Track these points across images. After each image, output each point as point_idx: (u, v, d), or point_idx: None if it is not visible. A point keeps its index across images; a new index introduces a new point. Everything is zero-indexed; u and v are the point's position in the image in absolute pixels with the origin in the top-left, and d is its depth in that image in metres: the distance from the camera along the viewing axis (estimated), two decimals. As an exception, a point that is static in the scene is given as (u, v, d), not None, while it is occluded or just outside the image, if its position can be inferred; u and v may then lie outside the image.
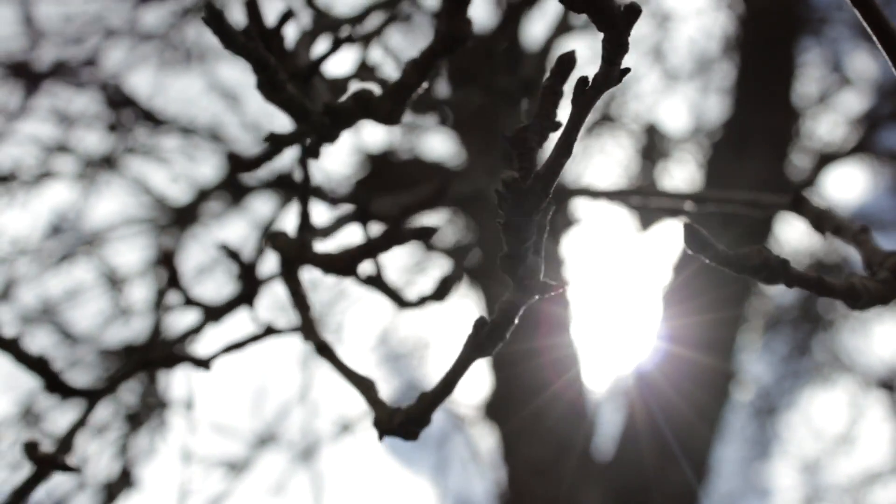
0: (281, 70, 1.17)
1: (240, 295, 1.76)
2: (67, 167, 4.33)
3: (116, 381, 1.63)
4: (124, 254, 4.48)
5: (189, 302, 1.79)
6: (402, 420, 1.13)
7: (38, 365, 1.57)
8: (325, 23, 1.59)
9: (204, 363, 1.62)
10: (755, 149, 5.34)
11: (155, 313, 3.65)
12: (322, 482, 4.96)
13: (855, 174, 7.87)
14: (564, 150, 0.93)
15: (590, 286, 5.24)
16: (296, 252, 1.31)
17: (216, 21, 1.08)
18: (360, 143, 5.31)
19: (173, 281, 1.75)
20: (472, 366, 1.07)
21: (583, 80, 0.90)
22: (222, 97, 4.69)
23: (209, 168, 4.57)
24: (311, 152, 1.25)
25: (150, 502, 4.04)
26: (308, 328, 1.32)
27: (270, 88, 1.18)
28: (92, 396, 1.61)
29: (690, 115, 5.99)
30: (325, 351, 1.28)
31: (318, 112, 1.21)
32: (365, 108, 1.20)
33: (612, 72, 0.89)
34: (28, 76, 4.29)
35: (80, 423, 1.58)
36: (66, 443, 1.54)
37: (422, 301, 1.51)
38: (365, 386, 1.22)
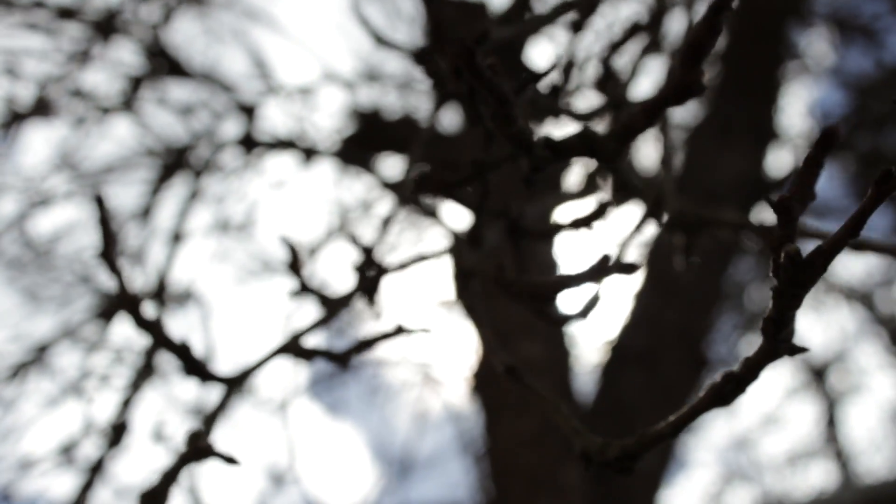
0: (517, 104, 1.20)
1: (359, 287, 1.78)
2: (74, 106, 4.26)
3: (252, 370, 1.65)
4: (123, 195, 4.45)
5: (306, 290, 1.81)
6: (619, 455, 1.17)
7: (179, 349, 1.59)
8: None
9: (341, 359, 1.65)
10: (736, 140, 5.42)
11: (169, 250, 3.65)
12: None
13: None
14: (853, 231, 0.98)
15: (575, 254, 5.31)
16: (493, 274, 1.33)
17: (466, 57, 1.11)
18: (350, 101, 5.29)
19: (294, 267, 1.76)
20: (705, 414, 1.12)
21: (888, 172, 0.95)
22: (253, 63, 4.64)
23: (230, 125, 4.53)
24: (526, 182, 1.28)
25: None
26: (492, 348, 1.36)
27: (503, 121, 1.21)
28: (230, 383, 1.63)
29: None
30: (513, 373, 1.31)
31: (541, 146, 1.24)
32: (589, 147, 1.23)
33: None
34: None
35: (220, 410, 1.60)
36: (208, 430, 1.56)
37: (568, 319, 1.55)
38: (562, 413, 1.26)
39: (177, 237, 3.78)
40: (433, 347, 6.08)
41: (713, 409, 1.11)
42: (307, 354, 1.66)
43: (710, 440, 9.39)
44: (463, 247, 1.43)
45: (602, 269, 1.22)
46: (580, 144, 1.24)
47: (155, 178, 4.42)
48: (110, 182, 4.46)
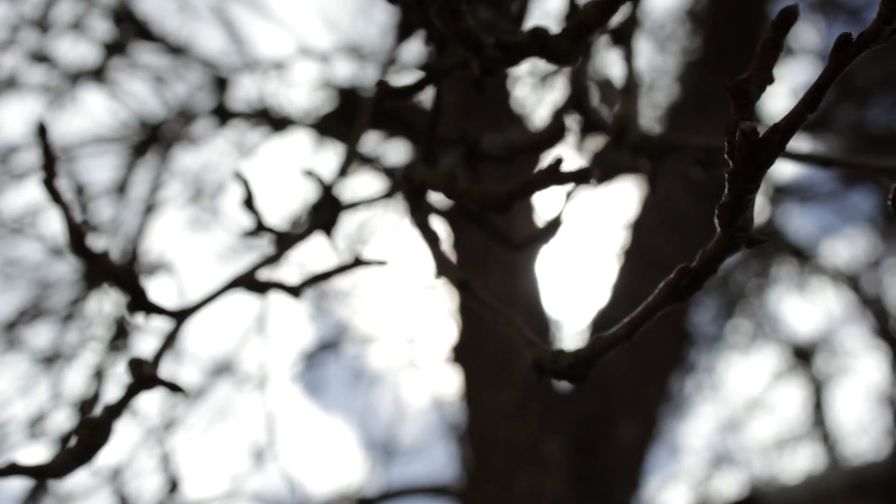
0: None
1: (319, 222, 1.72)
2: (46, 77, 4.19)
3: (204, 303, 1.59)
4: (95, 170, 4.38)
5: (262, 228, 1.75)
6: (572, 362, 1.12)
7: (125, 282, 1.53)
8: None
9: (294, 291, 1.59)
10: (715, 116, 5.39)
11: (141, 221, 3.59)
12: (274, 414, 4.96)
13: (797, 144, 7.97)
14: (811, 104, 0.93)
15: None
16: (444, 185, 1.28)
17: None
18: (328, 76, 5.23)
19: (249, 204, 1.71)
20: (662, 312, 1.07)
21: (846, 36, 0.90)
22: (229, 37, 4.57)
23: (200, 91, 4.46)
24: (477, 86, 1.22)
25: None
26: (443, 264, 1.30)
27: (451, 17, 1.15)
28: (179, 317, 1.57)
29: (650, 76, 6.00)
30: (465, 288, 1.26)
31: (490, 46, 1.18)
32: (540, 46, 1.18)
33: (883, 30, 0.88)
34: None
35: (168, 344, 1.54)
36: (155, 362, 1.51)
37: (531, 242, 1.50)
38: (515, 324, 1.21)
39: (149, 208, 3.72)
40: (415, 326, 6.04)
41: (669, 306, 1.06)
42: (260, 287, 1.60)
43: (697, 426, 9.39)
44: (416, 165, 1.38)
45: (555, 174, 1.16)
46: (531, 44, 1.19)
47: (129, 153, 4.36)
48: (84, 156, 4.41)
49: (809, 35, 7.20)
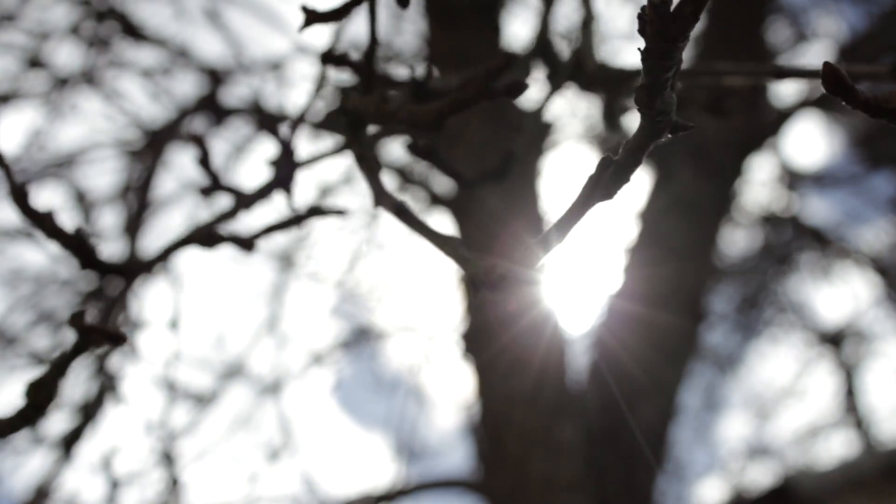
0: None
1: (277, 179, 1.68)
2: (40, 85, 4.18)
3: (156, 259, 1.56)
4: (96, 177, 4.37)
5: (219, 187, 1.71)
6: (504, 273, 1.07)
7: (73, 241, 1.49)
8: None
9: (247, 243, 1.56)
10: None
11: (128, 236, 3.57)
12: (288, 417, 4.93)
13: (817, 130, 7.91)
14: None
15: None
16: (374, 107, 1.24)
17: None
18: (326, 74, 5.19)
19: (204, 163, 1.67)
20: (591, 211, 1.02)
21: None
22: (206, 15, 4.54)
23: (189, 87, 4.45)
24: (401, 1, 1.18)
25: (119, 431, 3.95)
26: (380, 193, 1.26)
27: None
28: (129, 274, 1.54)
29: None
30: (403, 213, 1.22)
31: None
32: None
33: None
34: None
35: (119, 300, 1.50)
36: (105, 319, 1.47)
37: (483, 179, 1.46)
38: (450, 244, 1.16)
39: (144, 207, 3.71)
40: (427, 320, 6.00)
41: (597, 202, 1.01)
42: (212, 241, 1.56)
43: (730, 416, 9.29)
44: (350, 93, 1.34)
45: (485, 88, 1.12)
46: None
47: (127, 157, 4.35)
48: (84, 163, 4.39)
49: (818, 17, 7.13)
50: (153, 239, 4.19)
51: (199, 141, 1.70)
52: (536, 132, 4.91)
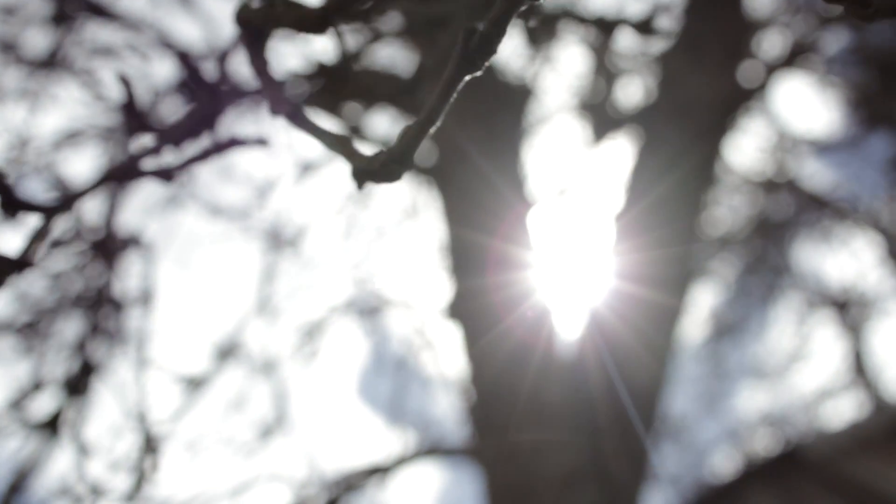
0: None
1: (202, 116, 1.68)
2: (13, 77, 4.17)
3: (76, 196, 1.55)
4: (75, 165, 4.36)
5: (145, 127, 1.71)
6: (384, 160, 1.06)
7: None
8: None
9: (166, 174, 1.55)
10: (708, 58, 5.31)
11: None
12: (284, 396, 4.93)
13: (805, 88, 7.87)
14: None
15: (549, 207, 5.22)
16: (263, 14, 1.23)
17: None
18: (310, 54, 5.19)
19: (130, 107, 1.66)
20: (460, 86, 1.00)
21: None
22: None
23: (163, 68, 4.42)
24: None
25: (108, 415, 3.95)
26: (276, 99, 1.25)
27: None
28: (50, 212, 1.53)
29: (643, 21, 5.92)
30: (297, 117, 1.21)
31: None
32: None
33: None
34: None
35: (37, 238, 1.49)
36: (24, 254, 1.46)
37: (397, 94, 1.44)
38: (341, 141, 1.15)
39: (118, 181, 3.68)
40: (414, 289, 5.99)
41: (465, 76, 0.99)
42: (132, 175, 1.56)
43: (740, 384, 9.27)
44: (244, 6, 1.33)
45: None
46: None
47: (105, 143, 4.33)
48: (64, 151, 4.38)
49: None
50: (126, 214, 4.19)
51: (124, 82, 1.69)
52: (518, 95, 4.91)
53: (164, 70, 4.18)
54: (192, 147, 1.71)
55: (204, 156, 1.56)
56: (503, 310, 4.26)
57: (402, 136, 1.05)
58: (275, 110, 1.25)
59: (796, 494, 7.28)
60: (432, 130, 1.03)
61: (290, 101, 1.22)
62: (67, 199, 1.56)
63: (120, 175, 1.56)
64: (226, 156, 1.58)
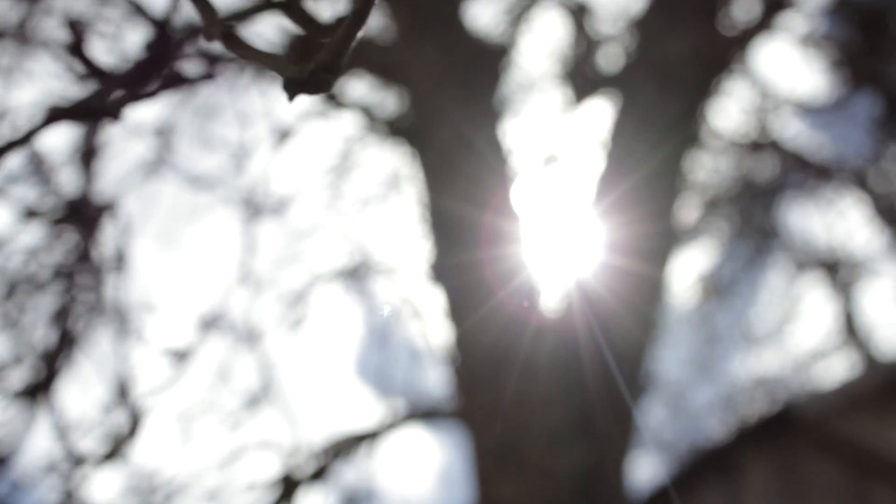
0: None
1: (154, 57, 1.66)
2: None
3: (20, 140, 1.54)
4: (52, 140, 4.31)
5: (93, 71, 1.69)
6: (314, 69, 1.05)
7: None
8: None
9: (113, 112, 1.54)
10: (685, 15, 5.29)
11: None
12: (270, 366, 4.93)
13: (788, 49, 7.86)
14: None
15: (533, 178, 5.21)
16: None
17: None
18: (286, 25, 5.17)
19: (77, 48, 1.65)
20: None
21: None
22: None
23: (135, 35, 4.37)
24: None
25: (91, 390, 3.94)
26: (210, 22, 1.24)
27: None
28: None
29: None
30: (231, 39, 1.19)
31: None
32: None
33: None
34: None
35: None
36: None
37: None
38: (276, 59, 1.14)
39: (90, 151, 3.66)
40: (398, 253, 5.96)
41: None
42: (76, 114, 1.54)
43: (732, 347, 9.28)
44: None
45: None
46: None
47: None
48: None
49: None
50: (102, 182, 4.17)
51: (73, 27, 1.68)
52: (494, 56, 4.89)
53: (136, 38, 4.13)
54: (141, 86, 1.70)
55: (151, 93, 1.55)
56: (488, 273, 4.26)
57: (330, 45, 1.04)
58: (208, 35, 1.24)
59: (790, 455, 7.29)
60: (358, 35, 1.02)
61: (224, 24, 1.21)
62: (9, 143, 1.54)
63: (64, 115, 1.54)
64: (174, 92, 1.56)
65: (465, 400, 4.47)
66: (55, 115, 1.57)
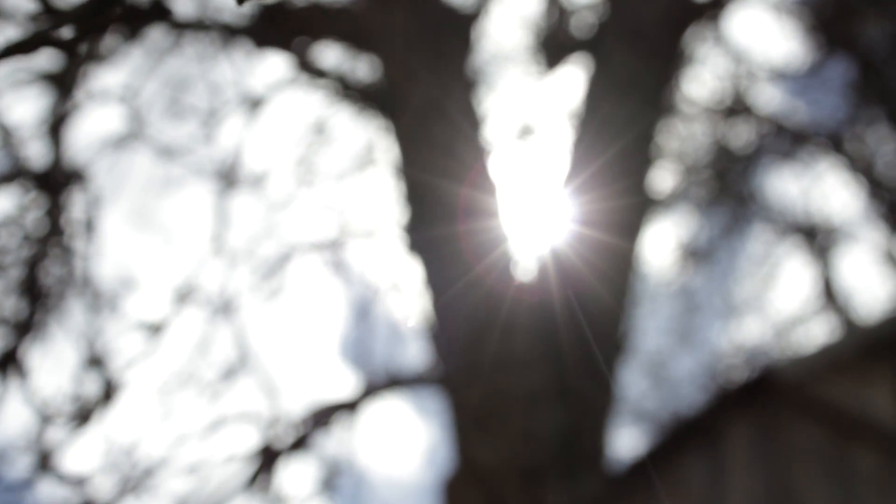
0: None
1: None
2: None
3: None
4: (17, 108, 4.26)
5: (49, 11, 1.65)
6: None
7: None
8: None
9: (69, 46, 1.50)
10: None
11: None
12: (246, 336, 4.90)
13: (761, 15, 7.85)
14: None
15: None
16: None
17: None
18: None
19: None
20: None
21: None
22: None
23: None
24: None
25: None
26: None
27: None
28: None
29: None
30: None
31: None
32: None
33: None
34: None
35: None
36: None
37: None
38: None
39: (61, 119, 3.62)
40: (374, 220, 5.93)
41: None
42: (28, 47, 1.50)
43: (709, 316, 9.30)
44: None
45: None
46: None
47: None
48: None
49: None
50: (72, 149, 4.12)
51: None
52: (464, 18, 4.85)
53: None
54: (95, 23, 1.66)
55: (101, 25, 1.51)
56: (465, 243, 4.24)
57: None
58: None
59: (771, 420, 7.30)
60: None
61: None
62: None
63: (17, 49, 1.50)
64: (124, 27, 1.53)
65: (444, 366, 4.45)
66: (9, 49, 1.53)
